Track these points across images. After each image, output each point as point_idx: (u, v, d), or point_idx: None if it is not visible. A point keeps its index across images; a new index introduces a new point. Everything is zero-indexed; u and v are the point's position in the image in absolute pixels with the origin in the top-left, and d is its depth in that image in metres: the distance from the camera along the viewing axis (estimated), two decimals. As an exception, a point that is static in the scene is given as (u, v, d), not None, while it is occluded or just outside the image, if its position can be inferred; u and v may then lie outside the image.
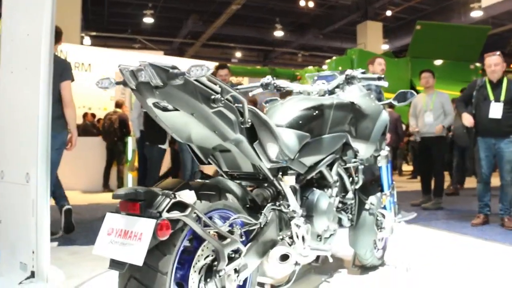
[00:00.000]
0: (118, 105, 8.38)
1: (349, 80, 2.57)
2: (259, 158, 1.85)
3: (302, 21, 19.09)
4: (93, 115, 10.83)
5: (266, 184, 2.13)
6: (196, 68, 1.41)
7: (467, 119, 4.78)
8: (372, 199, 2.86)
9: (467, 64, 11.21)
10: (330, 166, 2.46)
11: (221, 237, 1.68)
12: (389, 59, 11.63)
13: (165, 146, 5.52)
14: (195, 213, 1.54)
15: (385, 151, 2.93)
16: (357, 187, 2.73)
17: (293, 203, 2.06)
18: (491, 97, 4.70)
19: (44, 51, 2.74)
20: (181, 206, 1.51)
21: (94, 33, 18.53)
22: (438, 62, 11.24)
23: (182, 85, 1.46)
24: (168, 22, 18.99)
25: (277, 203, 2.05)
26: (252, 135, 1.80)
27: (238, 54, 22.61)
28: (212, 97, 1.56)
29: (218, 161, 2.06)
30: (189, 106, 1.52)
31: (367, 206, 2.81)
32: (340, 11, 17.48)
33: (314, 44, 20.90)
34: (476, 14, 14.35)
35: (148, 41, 19.56)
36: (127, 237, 1.44)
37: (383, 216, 2.89)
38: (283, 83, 2.77)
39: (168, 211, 1.47)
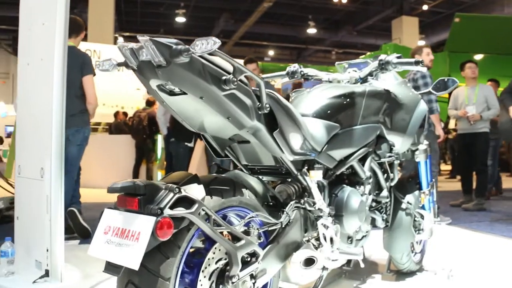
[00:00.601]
0: (149, 103, 8.30)
1: (383, 66, 2.32)
2: (280, 149, 1.64)
3: (336, 18, 18.78)
4: (125, 114, 10.83)
5: (290, 180, 1.92)
6: (202, 41, 1.22)
7: None
8: (409, 197, 2.61)
9: (511, 58, 10.61)
10: (362, 160, 2.22)
11: (235, 238, 1.49)
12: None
13: (192, 144, 5.37)
14: (203, 210, 1.35)
15: (424, 145, 2.67)
16: (392, 184, 2.49)
17: (320, 200, 1.84)
18: None
19: (59, 41, 2.62)
20: (187, 202, 1.32)
21: (127, 34, 18.74)
22: (478, 57, 10.72)
23: (187, 63, 1.26)
24: (200, 21, 19.02)
25: (302, 201, 1.83)
26: (271, 123, 1.60)
27: (271, 53, 22.43)
28: (223, 77, 1.35)
29: (236, 154, 1.87)
30: (197, 89, 1.33)
31: (403, 206, 2.56)
32: (375, 6, 17.07)
33: (348, 41, 20.50)
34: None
35: (180, 40, 19.60)
36: (124, 237, 1.26)
37: (422, 216, 2.63)
38: (311, 71, 2.57)
39: (171, 207, 1.28)
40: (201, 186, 1.42)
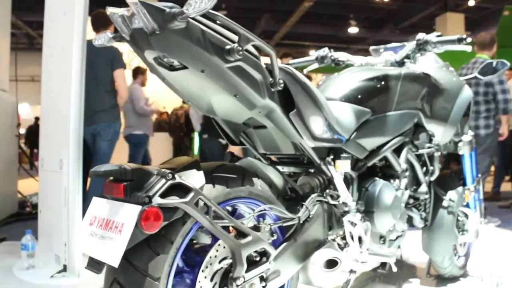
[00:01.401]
0: (186, 101, 8.27)
1: (421, 47, 2.10)
2: (298, 134, 1.45)
3: (377, 16, 18.30)
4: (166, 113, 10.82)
5: (313, 171, 1.72)
6: (196, 0, 1.05)
7: None
8: (451, 194, 2.35)
9: None
10: (397, 151, 2.00)
11: (241, 234, 1.30)
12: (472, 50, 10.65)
13: (225, 141, 5.23)
14: (201, 200, 1.18)
15: (469, 135, 2.41)
16: (432, 179, 2.24)
17: (345, 193, 1.63)
18: None
19: (78, 29, 2.53)
20: (182, 190, 1.15)
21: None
22: (530, 52, 10.10)
23: (184, 30, 1.10)
24: (241, 22, 18.39)
25: (325, 194, 1.63)
26: (288, 103, 1.41)
27: (313, 53, 22.07)
28: (227, 47, 1.18)
29: (253, 141, 1.68)
30: (197, 60, 1.16)
31: (445, 203, 2.31)
32: (418, 4, 16.51)
33: (390, 40, 19.58)
34: None
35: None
36: (108, 229, 1.10)
37: (466, 216, 2.36)
38: (342, 55, 2.37)
39: (162, 195, 1.11)
40: (201, 173, 1.24)
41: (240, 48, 1.18)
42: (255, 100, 1.29)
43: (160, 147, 8.18)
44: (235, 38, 1.20)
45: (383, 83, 1.89)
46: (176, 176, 1.15)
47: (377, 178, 1.88)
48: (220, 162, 1.41)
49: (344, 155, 1.69)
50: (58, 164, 2.57)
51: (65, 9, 2.67)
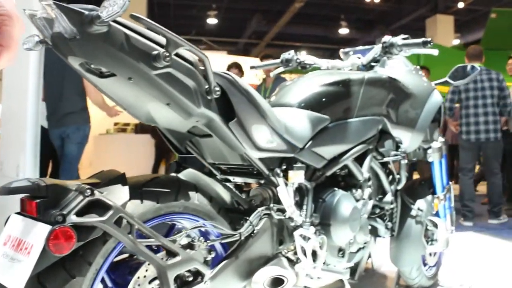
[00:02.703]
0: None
1: (387, 50, 2.02)
2: (241, 144, 1.36)
3: (368, 17, 18.29)
4: None
5: (264, 182, 1.63)
6: (109, 2, 0.96)
7: None
8: (420, 203, 2.28)
9: (549, 55, 9.91)
10: (361, 159, 1.92)
11: (171, 253, 1.21)
12: (459, 51, 10.62)
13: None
14: (122, 217, 1.08)
15: (438, 142, 2.33)
16: (399, 187, 2.16)
17: (291, 208, 1.53)
18: None
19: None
20: (101, 207, 1.07)
21: (159, 36, 18.85)
22: (516, 54, 10.10)
23: (106, 34, 1.01)
24: (232, 22, 18.92)
25: (274, 207, 1.53)
26: (229, 111, 1.32)
27: (304, 54, 22.07)
28: (154, 52, 1.09)
29: (200, 150, 1.59)
30: (121, 67, 1.06)
31: (413, 213, 2.23)
32: (408, 5, 16.52)
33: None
34: None
35: (213, 42, 19.58)
36: (19, 250, 1.02)
37: (435, 225, 2.28)
38: (308, 58, 2.28)
39: (79, 213, 1.02)
40: (126, 188, 1.15)
41: (168, 54, 1.09)
42: (190, 109, 1.20)
43: (142, 149, 8.07)
44: (161, 40, 1.11)
45: (344, 88, 1.81)
46: (95, 192, 1.07)
47: (336, 189, 1.79)
48: (154, 175, 1.31)
49: (297, 165, 1.60)
50: (15, 170, 2.47)
51: (24, 7, 2.56)
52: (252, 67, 2.46)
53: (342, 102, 1.80)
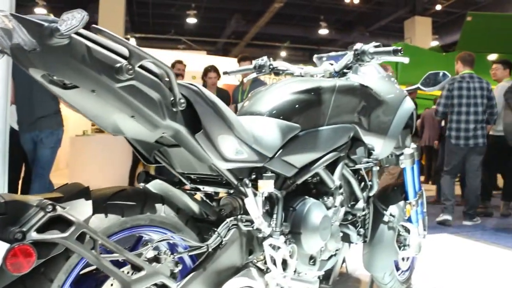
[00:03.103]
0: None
1: (359, 58, 2.01)
2: (208, 156, 1.34)
3: (348, 18, 18.43)
4: None
5: (233, 191, 1.62)
6: (68, 16, 0.93)
7: None
8: (392, 209, 2.29)
9: (526, 58, 10.13)
10: (332, 167, 1.92)
11: (135, 267, 1.19)
12: (437, 54, 10.78)
13: None
14: (85, 232, 1.06)
15: (410, 148, 2.35)
16: (371, 194, 2.17)
17: (259, 219, 1.52)
18: None
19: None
20: (63, 223, 1.04)
21: (139, 35, 18.68)
22: (491, 56, 10.28)
23: (67, 46, 0.98)
24: (211, 22, 18.86)
25: (243, 218, 1.52)
26: (196, 122, 1.30)
27: (283, 54, 22.10)
28: (117, 65, 1.06)
29: (169, 159, 1.57)
30: (84, 79, 1.04)
31: (385, 219, 2.24)
32: (387, 7, 16.72)
33: (360, 42, 20.03)
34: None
35: (192, 41, 19.49)
36: None
37: (407, 230, 2.30)
38: (281, 64, 2.28)
39: (40, 230, 1.00)
40: (89, 203, 1.13)
41: (130, 67, 1.07)
42: (155, 121, 1.18)
43: (119, 150, 7.98)
44: (124, 51, 1.09)
45: (315, 96, 1.80)
46: (57, 207, 1.04)
47: (307, 197, 1.78)
48: (120, 188, 1.29)
49: (267, 174, 1.58)
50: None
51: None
52: (225, 73, 2.44)
53: (313, 110, 1.79)
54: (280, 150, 1.63)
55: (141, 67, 1.12)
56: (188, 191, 1.62)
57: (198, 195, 1.68)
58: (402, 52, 1.87)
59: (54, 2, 15.25)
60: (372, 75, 2.18)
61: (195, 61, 13.22)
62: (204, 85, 5.57)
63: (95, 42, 1.05)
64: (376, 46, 1.99)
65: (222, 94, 5.45)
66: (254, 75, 2.35)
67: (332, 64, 2.18)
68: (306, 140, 1.74)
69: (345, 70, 2.13)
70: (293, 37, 20.02)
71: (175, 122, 1.23)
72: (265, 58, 2.30)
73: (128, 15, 16.77)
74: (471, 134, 4.75)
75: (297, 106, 1.75)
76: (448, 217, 4.71)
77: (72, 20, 0.92)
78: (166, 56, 12.84)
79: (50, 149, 3.67)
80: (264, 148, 1.54)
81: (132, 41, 18.21)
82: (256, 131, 1.53)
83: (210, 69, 5.44)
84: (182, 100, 1.22)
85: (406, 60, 1.98)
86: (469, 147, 4.78)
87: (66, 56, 0.99)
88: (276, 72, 2.29)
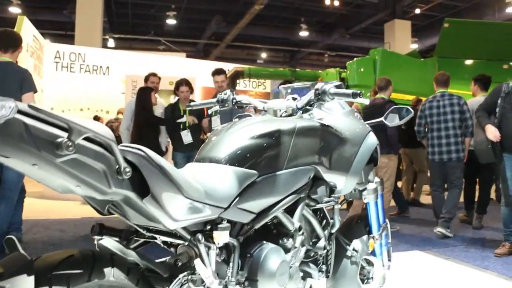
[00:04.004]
0: (122, 112, 7.98)
1: (319, 97, 2.00)
2: (157, 218, 1.32)
3: (328, 20, 18.50)
4: (96, 118, 10.25)
5: (187, 243, 1.59)
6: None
7: (492, 132, 4.11)
8: (355, 244, 2.29)
9: (501, 64, 10.26)
10: (293, 207, 1.90)
11: None
12: (414, 59, 10.87)
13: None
14: None
15: (373, 183, 2.35)
16: (333, 231, 2.16)
17: (208, 276, 1.49)
18: None
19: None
20: None
21: (118, 35, 18.47)
22: (468, 62, 10.43)
23: (4, 125, 0.95)
24: (191, 23, 18.75)
25: (193, 277, 1.49)
26: (143, 185, 1.27)
27: (264, 55, 22.10)
28: (57, 140, 1.04)
29: (123, 212, 1.53)
30: (24, 155, 1.00)
31: (348, 253, 2.24)
32: (367, 10, 16.83)
33: (340, 45, 20.18)
34: (512, 10, 13.72)
35: (172, 43, 19.32)
36: None
37: (370, 264, 2.31)
38: (244, 98, 2.25)
39: None
40: (31, 278, 1.09)
41: (70, 143, 1.04)
42: (100, 190, 1.15)
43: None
44: (63, 126, 1.06)
45: (273, 140, 1.78)
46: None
47: (264, 242, 1.75)
48: (67, 253, 1.24)
49: (222, 225, 1.56)
50: None
51: None
52: (188, 106, 2.42)
53: (271, 155, 1.76)
54: (237, 198, 1.60)
55: (85, 138, 1.10)
56: (144, 239, 1.60)
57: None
58: (361, 95, 1.87)
59: (29, 1, 15.00)
60: (336, 111, 2.17)
61: (174, 64, 13.09)
62: (177, 99, 5.51)
63: (35, 117, 1.02)
64: (337, 86, 1.98)
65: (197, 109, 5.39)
66: (217, 107, 2.33)
67: (295, 99, 2.16)
68: (263, 186, 1.72)
69: (307, 107, 2.12)
70: (273, 39, 20.03)
71: (122, 189, 1.19)
72: (228, 92, 2.27)
73: (107, 15, 16.58)
74: (444, 149, 5.02)
75: (254, 151, 1.72)
76: (443, 230, 4.85)
77: (2, 110, 0.90)
78: (145, 59, 12.78)
79: (17, 172, 3.59)
80: (217, 201, 1.51)
81: (111, 42, 17.99)
82: (210, 184, 1.51)
83: (182, 83, 5.37)
84: (128, 169, 1.19)
85: (366, 101, 1.98)
86: (443, 161, 5.05)
87: (3, 135, 0.96)
88: (239, 106, 2.27)
